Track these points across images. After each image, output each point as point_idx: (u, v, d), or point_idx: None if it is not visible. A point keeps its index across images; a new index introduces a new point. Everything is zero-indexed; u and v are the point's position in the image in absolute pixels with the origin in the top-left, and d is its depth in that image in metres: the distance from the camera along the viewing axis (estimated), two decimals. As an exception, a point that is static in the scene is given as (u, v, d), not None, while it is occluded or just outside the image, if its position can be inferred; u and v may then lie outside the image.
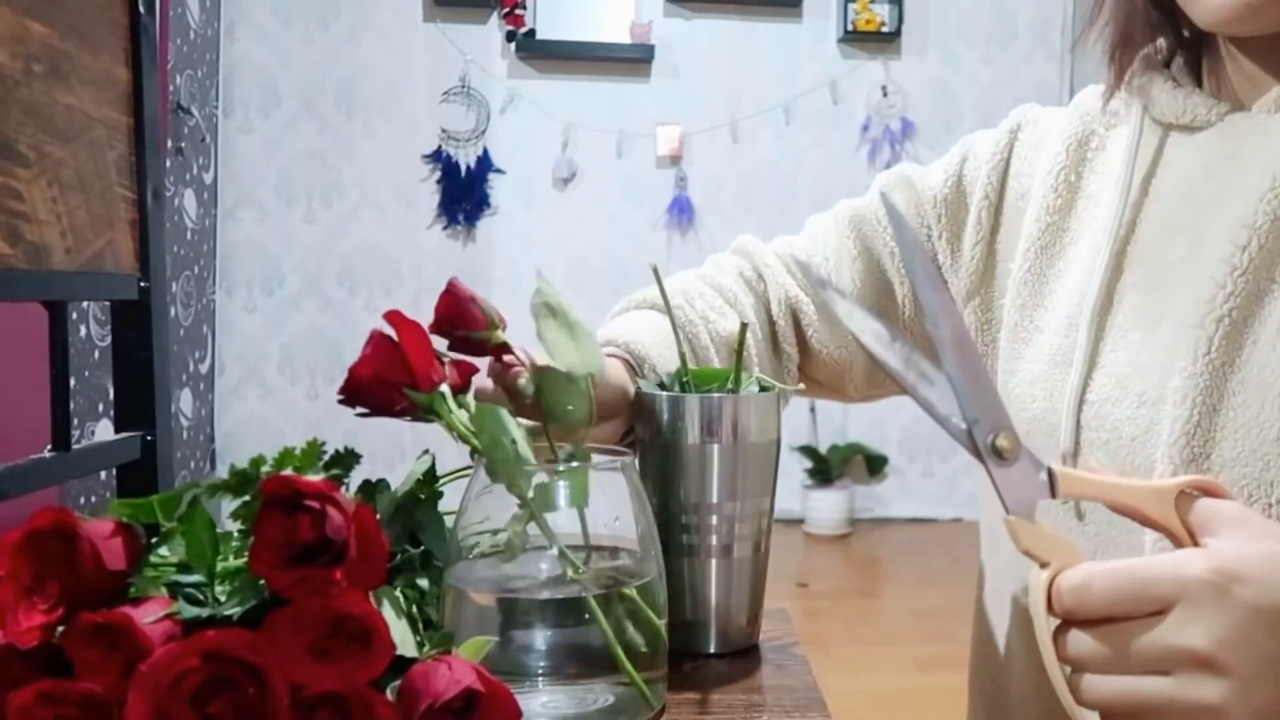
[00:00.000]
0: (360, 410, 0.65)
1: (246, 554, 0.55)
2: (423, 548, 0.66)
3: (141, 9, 0.77)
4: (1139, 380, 0.68)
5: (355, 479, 0.64)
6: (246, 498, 0.57)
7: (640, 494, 0.65)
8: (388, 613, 0.55)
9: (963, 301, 0.85)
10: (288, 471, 0.59)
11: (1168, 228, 0.71)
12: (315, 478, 0.52)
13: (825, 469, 4.00)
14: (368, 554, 0.49)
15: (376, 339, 0.63)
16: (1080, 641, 0.48)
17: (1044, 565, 0.49)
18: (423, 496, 0.68)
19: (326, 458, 0.62)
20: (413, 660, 0.55)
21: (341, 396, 0.64)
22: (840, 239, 0.92)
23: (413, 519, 0.67)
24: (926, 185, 0.89)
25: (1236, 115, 0.71)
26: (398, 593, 0.60)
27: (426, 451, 0.69)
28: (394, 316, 0.63)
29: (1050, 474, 0.52)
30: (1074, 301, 0.74)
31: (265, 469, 0.58)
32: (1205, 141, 0.71)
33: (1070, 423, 0.70)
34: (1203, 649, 0.45)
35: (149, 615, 0.49)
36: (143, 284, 0.80)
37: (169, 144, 3.35)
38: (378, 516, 0.52)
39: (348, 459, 0.63)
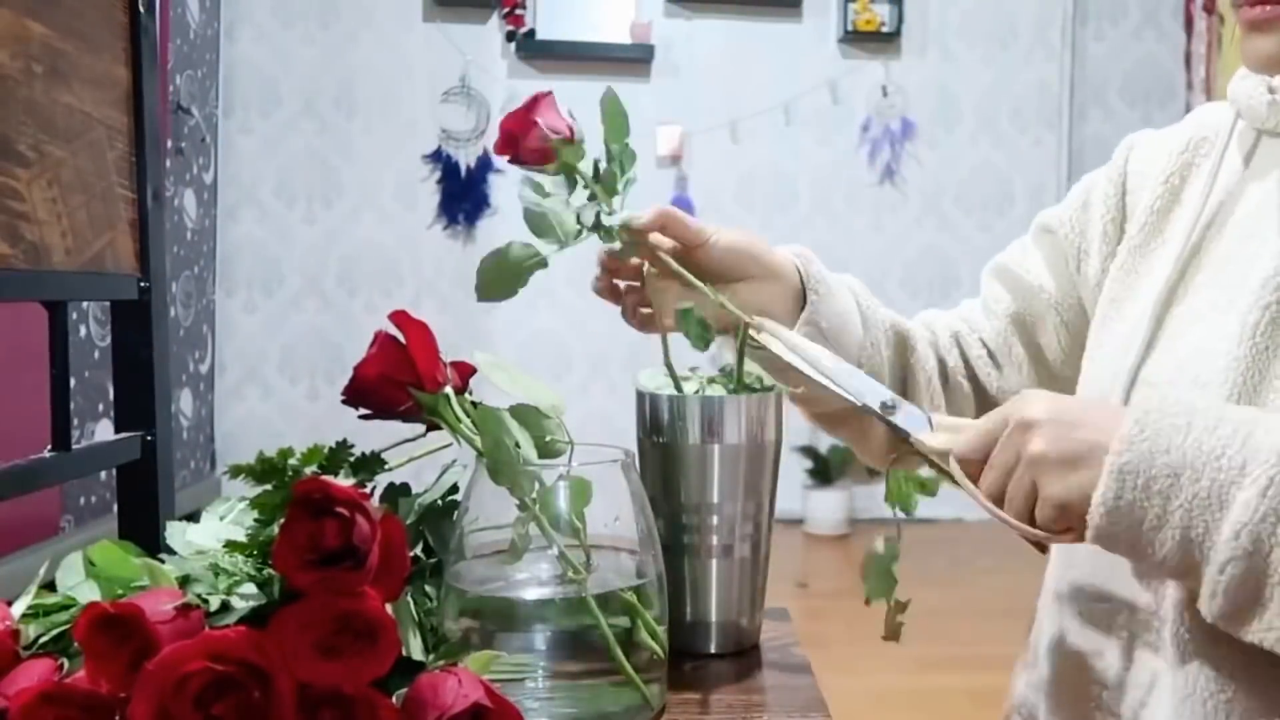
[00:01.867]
0: (363, 412, 0.65)
1: (259, 547, 0.56)
2: (435, 558, 0.66)
3: (141, 9, 0.77)
4: (1196, 365, 0.71)
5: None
6: (268, 486, 0.57)
7: (640, 494, 0.65)
8: (399, 617, 0.55)
9: (1092, 310, 0.87)
10: (313, 470, 0.59)
11: (1246, 228, 0.74)
12: (346, 482, 0.52)
13: (825, 469, 4.00)
14: (390, 565, 0.49)
15: (382, 339, 0.63)
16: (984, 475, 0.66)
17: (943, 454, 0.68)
18: (442, 503, 0.68)
19: (353, 459, 0.62)
20: (420, 665, 0.55)
21: (345, 397, 0.64)
22: (986, 290, 0.96)
23: (432, 528, 0.67)
24: (1060, 218, 0.90)
25: None
26: (408, 598, 0.60)
27: (455, 461, 0.69)
28: (399, 317, 0.63)
29: (929, 418, 0.70)
30: (1154, 292, 0.77)
31: (292, 461, 0.58)
32: None
33: (1119, 399, 0.73)
34: (1027, 416, 0.63)
35: (161, 605, 0.49)
36: (143, 284, 0.80)
37: (169, 144, 3.35)
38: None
39: (373, 463, 0.62)
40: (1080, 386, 0.83)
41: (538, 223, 0.74)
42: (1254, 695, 0.64)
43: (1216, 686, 0.65)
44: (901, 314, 0.94)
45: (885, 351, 0.89)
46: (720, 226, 0.81)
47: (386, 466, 0.64)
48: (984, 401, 0.94)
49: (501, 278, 0.74)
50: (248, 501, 0.59)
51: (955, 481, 0.68)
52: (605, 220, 0.74)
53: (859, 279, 0.92)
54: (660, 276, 0.79)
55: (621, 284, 0.83)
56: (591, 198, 0.74)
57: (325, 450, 0.60)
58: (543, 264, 0.75)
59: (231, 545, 0.56)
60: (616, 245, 0.77)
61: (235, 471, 0.58)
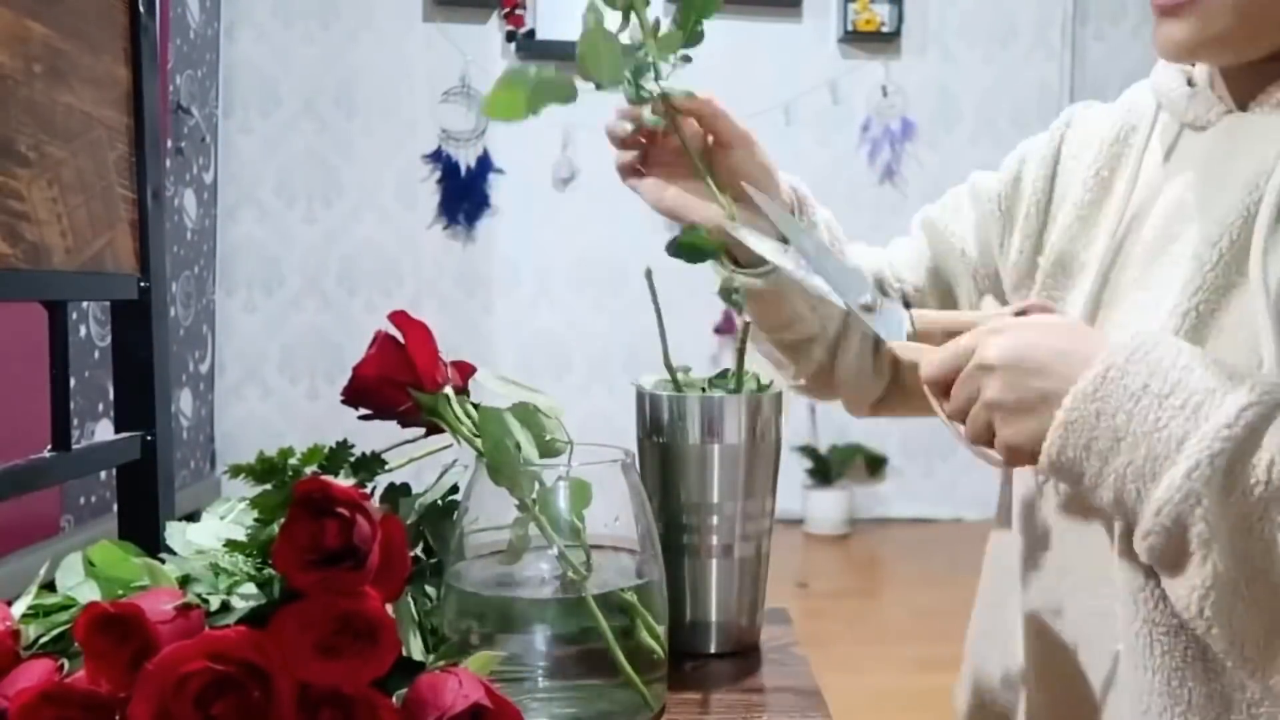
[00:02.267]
0: (363, 413, 0.65)
1: (259, 547, 0.56)
2: (435, 559, 0.66)
3: (141, 9, 0.77)
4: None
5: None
6: (268, 486, 0.57)
7: (640, 494, 0.64)
8: (399, 618, 0.55)
9: (1010, 292, 0.88)
10: (313, 470, 0.59)
11: (1168, 227, 0.73)
12: (346, 482, 0.52)
13: (825, 469, 4.00)
14: (390, 565, 0.49)
15: (382, 339, 0.63)
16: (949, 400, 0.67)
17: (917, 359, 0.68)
18: (442, 503, 0.68)
19: (353, 459, 0.62)
20: (420, 665, 0.55)
21: (344, 397, 0.64)
22: (913, 241, 0.96)
23: (432, 528, 0.67)
24: (988, 187, 0.91)
25: (1234, 116, 0.72)
26: (408, 598, 0.60)
27: (455, 462, 0.68)
28: (398, 317, 0.63)
29: (910, 313, 0.71)
30: (1086, 291, 0.76)
31: (293, 461, 0.58)
32: (1208, 141, 0.73)
33: None
34: (985, 359, 0.64)
35: (161, 605, 0.49)
36: (143, 284, 0.80)
37: (169, 144, 3.35)
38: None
39: (373, 464, 0.62)
40: None
41: (590, 51, 0.67)
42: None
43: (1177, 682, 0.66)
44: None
45: None
46: (752, 135, 0.84)
47: (386, 467, 0.64)
48: (898, 373, 0.95)
49: (514, 95, 0.67)
50: (248, 501, 0.59)
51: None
52: (646, 83, 0.70)
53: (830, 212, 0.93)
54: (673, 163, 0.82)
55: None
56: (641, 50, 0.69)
57: (325, 450, 0.60)
58: (570, 96, 0.70)
59: (231, 545, 0.56)
60: (640, 113, 0.74)
61: (235, 471, 0.58)
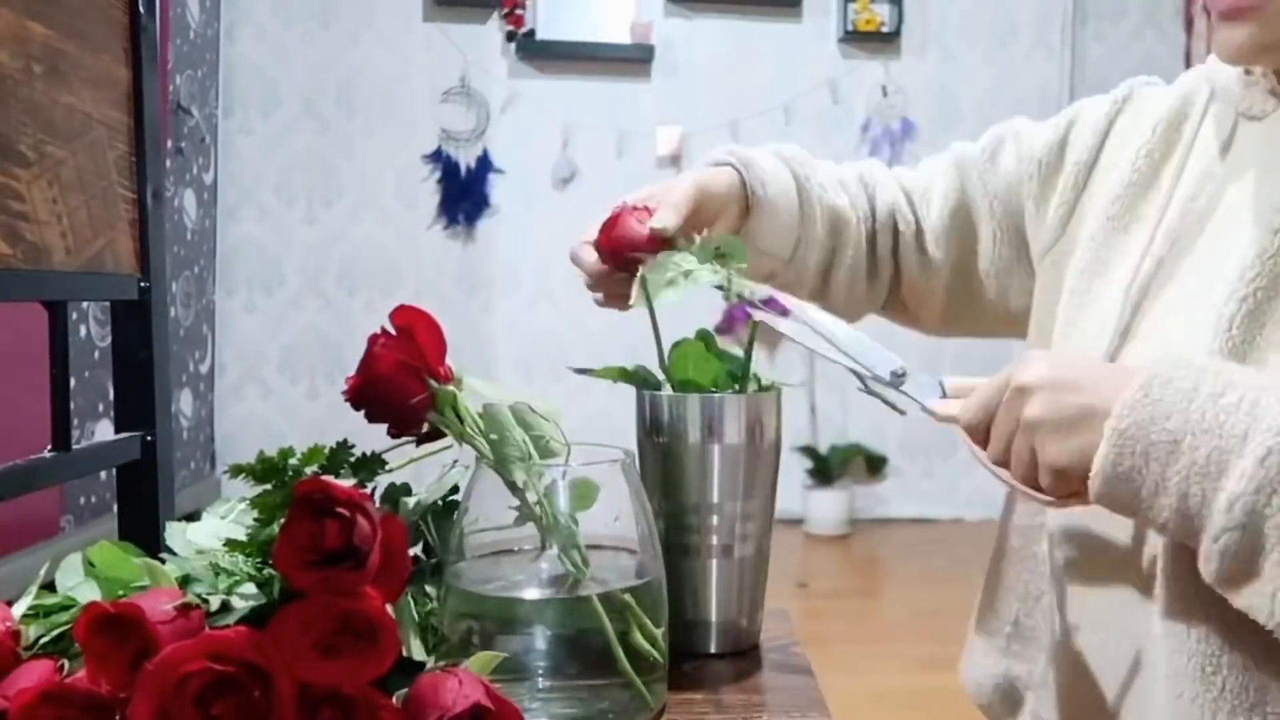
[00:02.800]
0: (370, 416, 0.63)
1: (259, 546, 0.56)
2: (435, 559, 0.66)
3: (141, 9, 0.77)
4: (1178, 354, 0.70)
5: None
6: (268, 486, 0.57)
7: (640, 494, 0.64)
8: (399, 618, 0.55)
9: (1038, 258, 0.88)
10: (313, 470, 0.59)
11: (1225, 217, 0.72)
12: (347, 483, 0.52)
13: (825, 469, 4.00)
14: (391, 566, 0.49)
15: (389, 333, 0.62)
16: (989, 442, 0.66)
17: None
18: (442, 504, 0.68)
19: (354, 459, 0.62)
20: (420, 665, 0.55)
21: (350, 395, 0.63)
22: (943, 177, 0.97)
23: (433, 528, 0.67)
24: (1032, 143, 0.90)
25: None
26: (408, 598, 0.60)
27: (455, 462, 0.68)
28: (405, 311, 0.62)
29: (941, 380, 0.71)
30: (1130, 276, 0.75)
31: (293, 461, 0.58)
32: (1265, 131, 0.73)
33: None
34: (1022, 381, 0.63)
35: (161, 605, 0.49)
36: (143, 284, 0.80)
37: (169, 144, 3.35)
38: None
39: (374, 464, 0.62)
40: None
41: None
42: (1246, 651, 0.63)
43: (1214, 646, 0.64)
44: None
45: (820, 232, 0.92)
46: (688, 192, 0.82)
47: (387, 467, 0.64)
48: (896, 288, 0.98)
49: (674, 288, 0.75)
50: (248, 501, 0.59)
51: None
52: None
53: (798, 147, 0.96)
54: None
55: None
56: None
57: (325, 450, 0.60)
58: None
59: (232, 545, 0.56)
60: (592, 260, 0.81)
61: (235, 471, 0.58)
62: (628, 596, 0.61)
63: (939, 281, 0.97)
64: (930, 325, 1.02)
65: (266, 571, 0.54)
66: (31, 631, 0.55)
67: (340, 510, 0.48)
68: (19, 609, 0.56)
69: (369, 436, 0.61)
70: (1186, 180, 0.76)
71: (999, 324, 0.97)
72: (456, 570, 0.61)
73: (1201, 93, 0.79)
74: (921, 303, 0.99)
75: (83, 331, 2.72)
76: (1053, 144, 0.88)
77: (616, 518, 0.63)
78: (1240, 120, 0.75)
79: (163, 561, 0.56)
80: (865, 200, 0.98)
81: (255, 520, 0.58)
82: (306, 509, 0.48)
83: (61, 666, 0.52)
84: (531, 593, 0.62)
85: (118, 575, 0.58)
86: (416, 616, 0.60)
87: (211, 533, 0.62)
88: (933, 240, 0.95)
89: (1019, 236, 0.91)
